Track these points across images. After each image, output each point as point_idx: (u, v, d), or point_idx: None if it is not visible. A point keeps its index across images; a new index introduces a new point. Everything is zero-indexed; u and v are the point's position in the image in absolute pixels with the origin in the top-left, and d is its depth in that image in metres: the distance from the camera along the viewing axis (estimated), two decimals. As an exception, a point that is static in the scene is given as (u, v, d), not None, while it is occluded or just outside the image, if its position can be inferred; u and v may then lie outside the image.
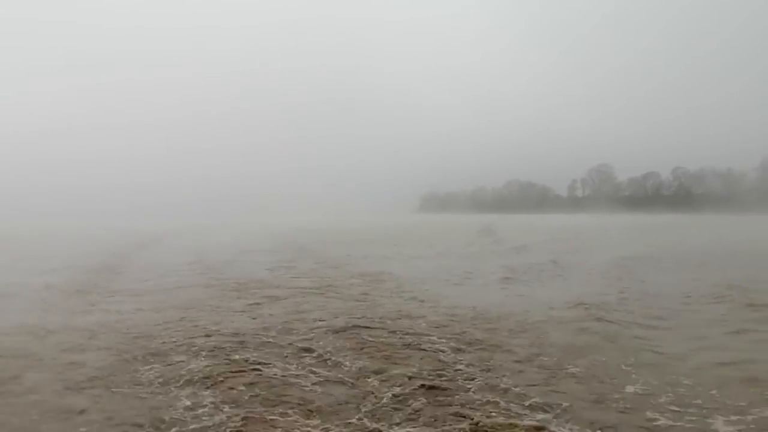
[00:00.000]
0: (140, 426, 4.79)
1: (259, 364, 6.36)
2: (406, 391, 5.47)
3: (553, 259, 17.78)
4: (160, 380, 5.85)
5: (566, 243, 25.57)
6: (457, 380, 5.77)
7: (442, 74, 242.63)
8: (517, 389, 5.48)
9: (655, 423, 4.73)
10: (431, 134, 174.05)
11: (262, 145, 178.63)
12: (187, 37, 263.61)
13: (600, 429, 4.63)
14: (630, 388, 5.52)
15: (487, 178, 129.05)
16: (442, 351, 6.88)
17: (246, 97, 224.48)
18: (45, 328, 8.39)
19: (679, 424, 4.71)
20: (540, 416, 4.86)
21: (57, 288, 12.69)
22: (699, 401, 5.16)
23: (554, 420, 4.79)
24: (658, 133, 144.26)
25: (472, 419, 4.79)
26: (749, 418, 4.79)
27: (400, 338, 7.57)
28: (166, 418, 4.94)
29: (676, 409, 5.00)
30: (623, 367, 6.21)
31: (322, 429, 4.71)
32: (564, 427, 4.67)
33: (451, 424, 4.73)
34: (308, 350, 7.00)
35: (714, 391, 5.40)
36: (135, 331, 8.11)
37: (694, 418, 4.80)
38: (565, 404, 5.10)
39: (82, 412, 5.10)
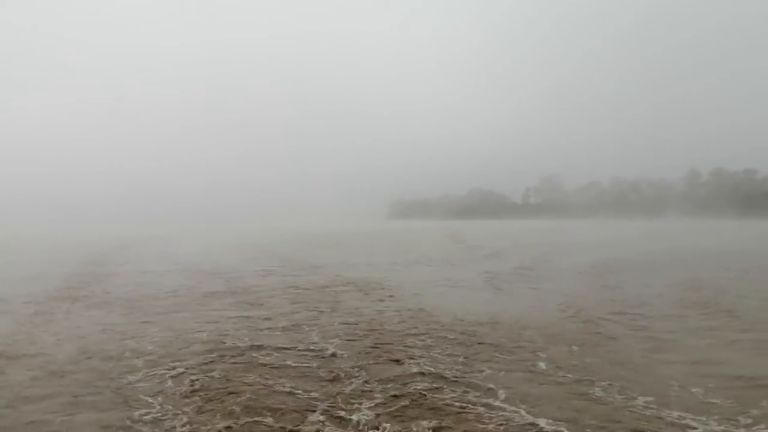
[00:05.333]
0: None
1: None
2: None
3: (528, 265, 17.49)
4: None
5: (534, 249, 25.36)
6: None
7: (403, 83, 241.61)
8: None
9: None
10: (396, 142, 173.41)
11: (230, 156, 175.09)
12: (163, 54, 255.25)
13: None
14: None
15: (450, 185, 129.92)
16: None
17: (215, 111, 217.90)
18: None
19: None
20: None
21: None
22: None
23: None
24: (599, 142, 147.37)
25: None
26: None
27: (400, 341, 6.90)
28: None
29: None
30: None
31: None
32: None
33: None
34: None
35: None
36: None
37: None
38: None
39: None
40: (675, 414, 4.74)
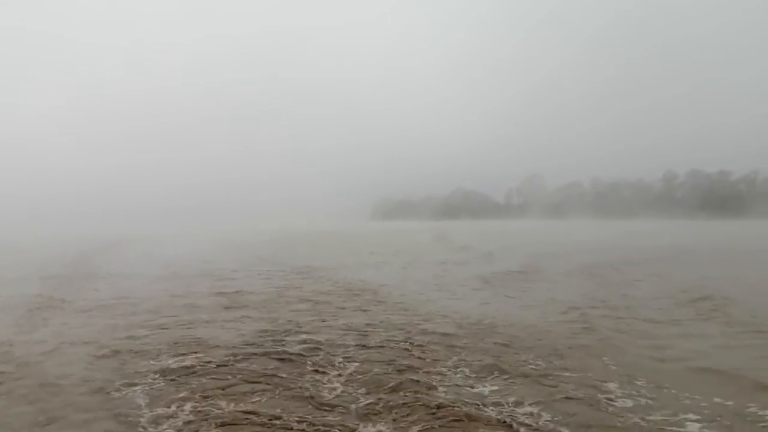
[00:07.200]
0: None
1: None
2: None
3: (523, 266, 16.66)
4: None
5: (524, 249, 24.60)
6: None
7: (386, 81, 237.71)
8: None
9: None
10: (379, 143, 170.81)
11: (223, 156, 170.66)
12: (160, 52, 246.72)
13: None
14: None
15: (433, 186, 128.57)
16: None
17: (211, 109, 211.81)
18: None
19: None
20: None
21: None
22: None
23: None
24: (581, 143, 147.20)
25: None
26: None
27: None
28: None
29: None
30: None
31: None
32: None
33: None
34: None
35: None
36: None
37: None
38: None
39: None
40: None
